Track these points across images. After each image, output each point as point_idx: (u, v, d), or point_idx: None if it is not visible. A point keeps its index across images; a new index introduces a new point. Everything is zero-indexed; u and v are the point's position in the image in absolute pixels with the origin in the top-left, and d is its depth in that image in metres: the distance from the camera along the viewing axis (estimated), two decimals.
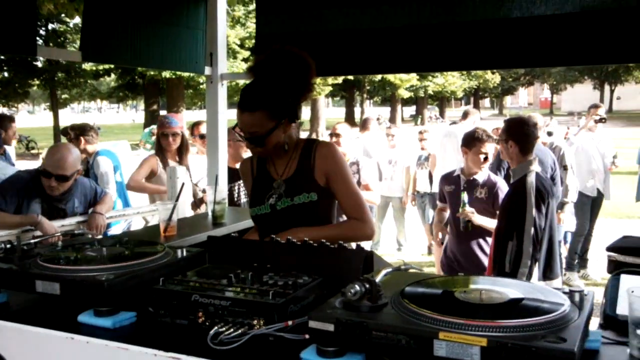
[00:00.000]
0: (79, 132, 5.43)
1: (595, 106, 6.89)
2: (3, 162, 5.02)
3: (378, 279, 1.46)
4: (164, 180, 4.60)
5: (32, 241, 2.00)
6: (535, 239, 3.43)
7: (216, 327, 1.47)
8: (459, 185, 4.30)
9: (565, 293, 1.44)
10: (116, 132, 36.18)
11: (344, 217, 2.46)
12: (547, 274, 3.59)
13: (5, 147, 5.78)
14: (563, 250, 6.35)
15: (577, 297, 1.41)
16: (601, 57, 3.08)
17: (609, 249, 2.05)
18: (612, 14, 2.84)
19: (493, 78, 43.53)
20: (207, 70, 4.00)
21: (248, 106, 2.22)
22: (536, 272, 3.61)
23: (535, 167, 3.56)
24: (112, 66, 28.14)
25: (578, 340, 1.19)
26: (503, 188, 4.16)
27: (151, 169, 5.00)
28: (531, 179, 3.48)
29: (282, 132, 2.32)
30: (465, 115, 7.63)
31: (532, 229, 3.42)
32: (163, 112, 27.78)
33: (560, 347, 1.16)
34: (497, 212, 3.93)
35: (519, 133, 3.68)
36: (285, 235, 1.99)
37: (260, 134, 2.25)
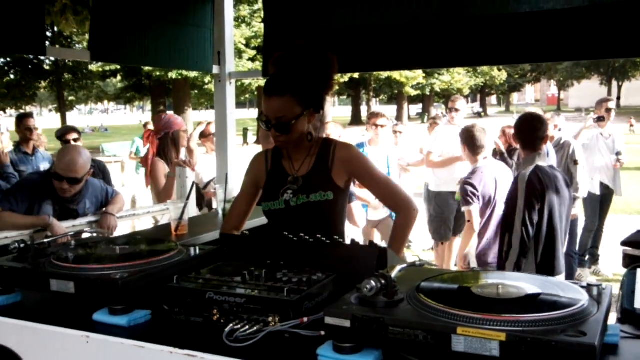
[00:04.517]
0: None
1: (605, 100, 6.76)
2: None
3: (393, 274, 1.45)
4: None
5: (46, 240, 2.00)
6: (526, 235, 3.43)
7: (231, 325, 1.46)
8: None
9: (583, 287, 1.42)
10: (123, 132, 36.33)
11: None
12: (546, 272, 3.54)
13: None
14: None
15: (595, 292, 1.40)
16: (611, 51, 3.06)
17: (624, 243, 2.03)
18: (622, 8, 2.82)
19: (499, 75, 43.31)
20: (215, 69, 4.00)
21: (277, 90, 2.23)
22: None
23: (539, 162, 3.53)
24: (119, 67, 28.24)
25: (598, 334, 1.18)
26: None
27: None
28: (526, 173, 3.47)
29: (307, 121, 2.34)
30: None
31: (520, 224, 3.42)
32: (170, 113, 27.77)
33: (580, 341, 1.15)
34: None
35: (520, 129, 3.71)
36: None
37: (287, 120, 2.25)
